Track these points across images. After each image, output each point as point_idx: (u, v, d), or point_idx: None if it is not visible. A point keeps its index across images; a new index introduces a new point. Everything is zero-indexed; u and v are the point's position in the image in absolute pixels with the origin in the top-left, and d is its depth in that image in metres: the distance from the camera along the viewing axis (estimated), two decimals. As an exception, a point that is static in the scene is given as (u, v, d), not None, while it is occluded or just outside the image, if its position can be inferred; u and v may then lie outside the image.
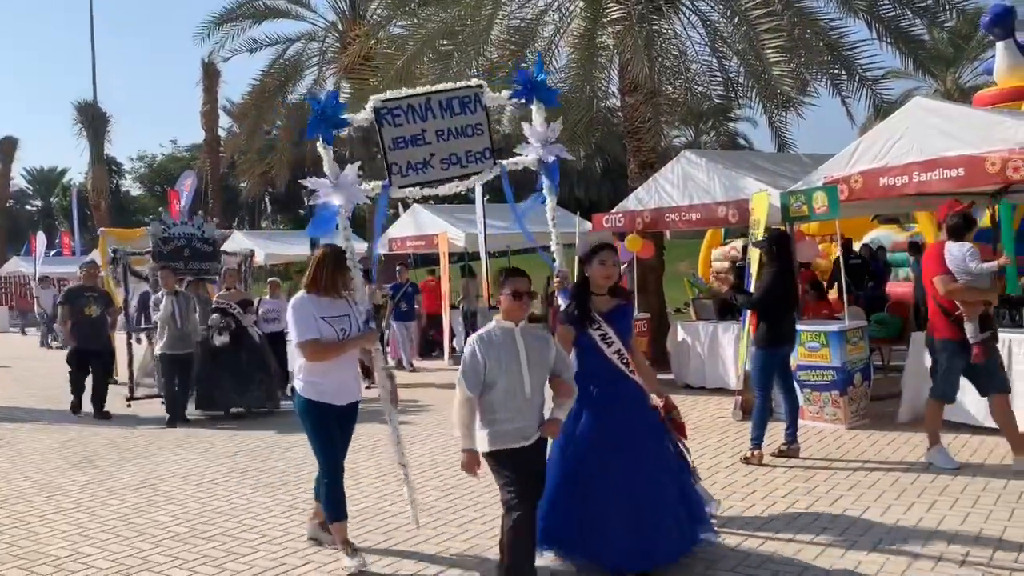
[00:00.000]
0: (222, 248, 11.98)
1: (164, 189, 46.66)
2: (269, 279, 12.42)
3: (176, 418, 9.62)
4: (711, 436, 7.73)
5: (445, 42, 13.14)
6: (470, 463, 4.08)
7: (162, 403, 10.17)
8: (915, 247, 15.01)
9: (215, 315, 10.05)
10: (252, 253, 12.78)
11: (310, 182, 4.88)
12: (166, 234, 11.16)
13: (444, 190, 5.21)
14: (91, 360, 10.48)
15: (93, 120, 36.80)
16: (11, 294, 33.10)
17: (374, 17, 18.69)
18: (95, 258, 12.65)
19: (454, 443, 4.50)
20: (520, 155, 5.49)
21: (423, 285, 15.39)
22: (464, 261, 17.00)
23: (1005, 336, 7.20)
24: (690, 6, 13.02)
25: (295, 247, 21.09)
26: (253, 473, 7.17)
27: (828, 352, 7.86)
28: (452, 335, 14.53)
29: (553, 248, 5.46)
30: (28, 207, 65.47)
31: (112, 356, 11.00)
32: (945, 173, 7.24)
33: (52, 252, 32.75)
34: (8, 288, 33.32)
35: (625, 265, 13.12)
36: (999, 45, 14.59)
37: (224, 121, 36.30)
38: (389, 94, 5.05)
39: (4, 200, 44.38)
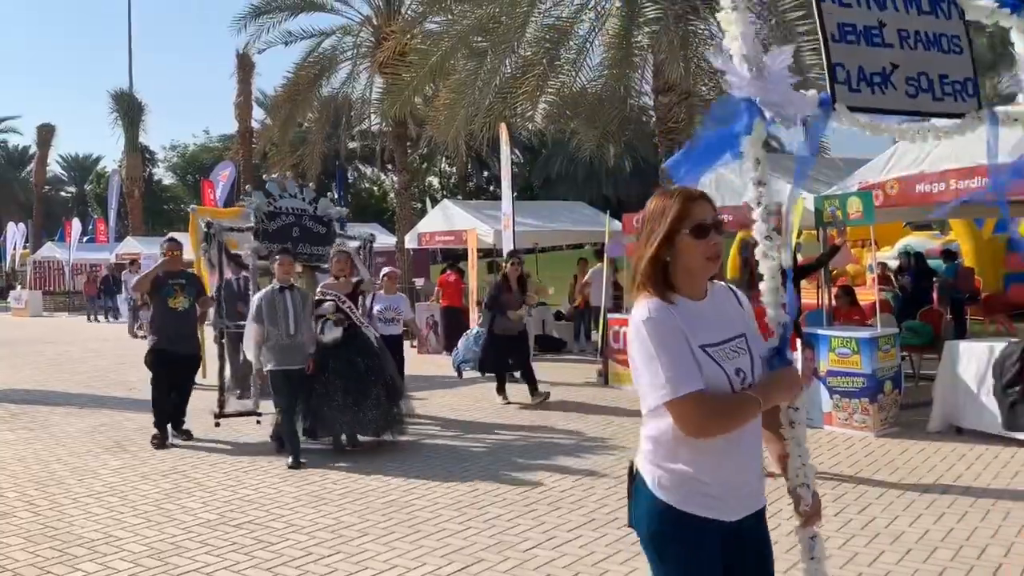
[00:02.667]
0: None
1: (196, 178, 47.22)
2: (385, 270, 9.76)
3: (294, 452, 7.19)
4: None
5: (479, 39, 13.18)
6: None
7: (258, 422, 8.32)
8: (948, 254, 14.87)
9: (327, 303, 7.75)
10: (373, 238, 9.75)
11: (720, 60, 2.64)
12: (272, 207, 8.66)
13: (906, 134, 3.06)
14: (177, 367, 8.14)
15: (129, 109, 37.30)
16: (46, 278, 33.64)
17: (409, 13, 18.77)
18: (178, 237, 9.62)
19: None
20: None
21: (441, 280, 15.48)
22: (491, 258, 17.04)
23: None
24: (726, 7, 12.95)
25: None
26: (281, 463, 7.24)
27: (859, 359, 7.79)
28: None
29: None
30: (63, 193, 66.50)
31: (199, 362, 8.67)
32: (984, 181, 7.15)
33: (85, 238, 33.35)
34: (42, 272, 33.89)
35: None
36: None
37: (257, 113, 36.63)
38: None
39: (40, 186, 45.11)
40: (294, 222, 8.75)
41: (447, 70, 13.88)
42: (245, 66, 32.20)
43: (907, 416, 8.16)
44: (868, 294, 11.45)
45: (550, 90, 12.94)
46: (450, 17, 14.40)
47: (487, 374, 10.54)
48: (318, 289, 8.08)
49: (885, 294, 12.44)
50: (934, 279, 13.91)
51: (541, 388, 9.76)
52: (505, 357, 10.00)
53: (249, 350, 7.50)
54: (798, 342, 6.87)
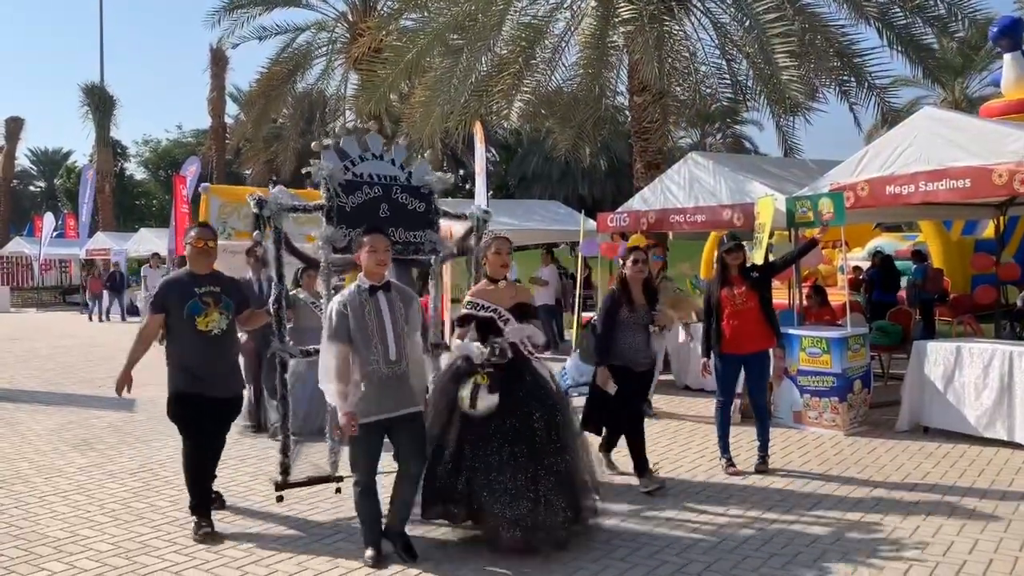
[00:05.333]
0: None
1: (168, 174, 46.75)
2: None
3: (374, 542, 4.75)
4: (710, 439, 7.73)
5: (455, 36, 13.15)
6: None
7: (338, 490, 5.70)
8: (918, 255, 15.08)
9: (474, 345, 5.02)
10: (488, 215, 7.03)
11: None
12: (351, 174, 5.81)
13: None
14: (215, 417, 5.41)
15: (100, 103, 36.85)
16: (14, 274, 33.13)
17: (384, 9, 18.73)
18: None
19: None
20: None
21: None
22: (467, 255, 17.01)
23: (1006, 348, 7.22)
24: (701, 8, 13.04)
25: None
26: (251, 460, 7.19)
27: (829, 358, 7.88)
28: (452, 329, 14.59)
29: None
30: (32, 188, 65.53)
31: (240, 407, 5.94)
32: (952, 183, 7.26)
33: (55, 234, 32.88)
34: (10, 268, 33.37)
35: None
36: (1006, 57, 14.60)
37: (231, 108, 36.39)
38: None
39: (8, 180, 44.38)
40: (381, 196, 5.93)
41: (423, 67, 13.85)
42: (219, 61, 32.01)
43: (876, 415, 8.25)
44: (839, 294, 11.57)
45: (526, 89, 12.94)
46: (426, 14, 14.38)
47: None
48: (466, 299, 5.27)
49: (855, 296, 12.59)
50: (900, 278, 14.13)
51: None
52: (621, 404, 6.26)
53: (329, 386, 4.62)
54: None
